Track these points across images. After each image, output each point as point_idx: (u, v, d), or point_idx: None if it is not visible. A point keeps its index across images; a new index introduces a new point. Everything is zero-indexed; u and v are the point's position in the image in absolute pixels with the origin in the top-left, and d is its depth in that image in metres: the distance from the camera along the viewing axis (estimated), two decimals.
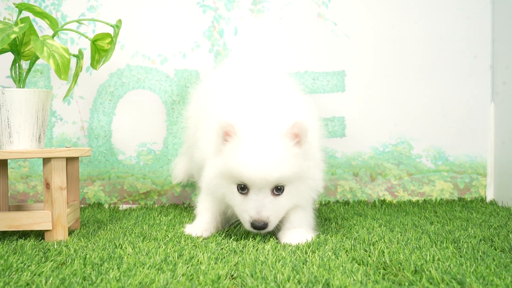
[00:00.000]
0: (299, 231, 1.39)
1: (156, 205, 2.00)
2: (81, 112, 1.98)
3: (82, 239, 1.40)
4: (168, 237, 1.43)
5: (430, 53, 2.03)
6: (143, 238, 1.40)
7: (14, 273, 1.07)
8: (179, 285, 0.99)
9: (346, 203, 2.02)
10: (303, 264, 1.13)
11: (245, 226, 1.35)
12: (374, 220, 1.67)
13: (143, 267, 1.11)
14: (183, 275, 1.06)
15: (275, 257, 1.18)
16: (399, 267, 1.10)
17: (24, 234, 1.48)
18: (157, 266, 1.12)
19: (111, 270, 1.08)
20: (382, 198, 2.03)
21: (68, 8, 1.96)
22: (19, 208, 1.63)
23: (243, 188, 1.34)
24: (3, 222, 1.40)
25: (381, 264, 1.13)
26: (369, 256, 1.19)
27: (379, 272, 1.07)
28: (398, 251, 1.22)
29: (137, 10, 1.98)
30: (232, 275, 1.07)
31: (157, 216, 1.78)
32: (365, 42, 2.02)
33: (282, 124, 1.33)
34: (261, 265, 1.11)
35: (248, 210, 1.33)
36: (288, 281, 1.00)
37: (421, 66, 2.03)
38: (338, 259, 1.17)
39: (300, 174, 1.34)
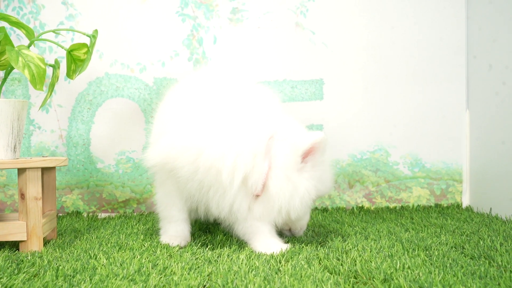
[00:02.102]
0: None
1: (135, 213, 2.00)
2: (59, 121, 1.97)
3: (57, 250, 1.40)
4: (144, 246, 1.43)
5: (407, 59, 2.06)
6: (119, 248, 1.41)
7: None
8: None
9: (325, 210, 2.03)
10: (276, 273, 1.14)
11: None
12: (351, 227, 1.69)
13: (116, 278, 1.11)
14: (155, 286, 1.06)
15: (249, 266, 1.19)
16: (369, 275, 1.11)
17: (0, 245, 1.47)
18: (129, 277, 1.12)
19: (82, 282, 1.08)
20: (360, 205, 2.06)
21: (46, 16, 1.96)
22: None
23: None
24: None
25: (352, 272, 1.14)
26: (341, 264, 1.20)
27: (350, 281, 1.09)
28: (370, 259, 1.24)
29: (116, 19, 1.98)
30: (204, 286, 1.07)
31: (135, 224, 1.78)
32: (343, 50, 2.04)
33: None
34: (234, 275, 1.12)
35: None
36: None
37: (399, 73, 2.06)
38: (310, 268, 1.18)
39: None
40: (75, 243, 1.49)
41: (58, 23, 1.96)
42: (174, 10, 2.00)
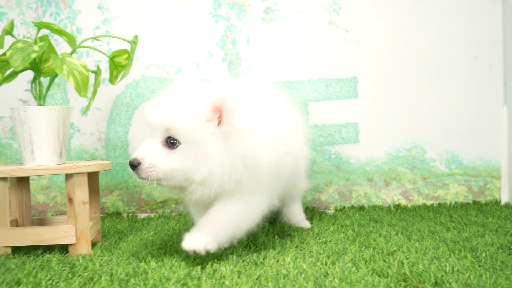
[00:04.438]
0: (201, 233, 1.27)
1: (173, 214, 2.03)
2: (98, 124, 2.01)
3: (106, 253, 1.43)
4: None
5: (442, 56, 2.04)
6: (165, 251, 1.43)
7: None
8: None
9: (361, 208, 2.03)
10: (324, 277, 1.15)
11: None
12: (391, 226, 1.69)
13: (168, 283, 1.13)
14: None
15: (296, 269, 1.21)
16: (419, 279, 1.12)
17: (48, 248, 1.51)
18: (181, 281, 1.14)
19: (138, 287, 1.11)
20: (397, 203, 2.05)
21: (82, 21, 1.99)
22: (41, 221, 1.66)
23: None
24: (29, 237, 1.43)
25: (401, 275, 1.15)
26: (389, 267, 1.21)
27: (400, 285, 1.09)
28: (417, 262, 1.24)
29: (151, 21, 2.00)
30: None
31: (175, 225, 1.81)
32: (376, 47, 2.03)
33: (208, 93, 1.25)
34: (284, 279, 1.14)
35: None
36: None
37: (434, 69, 2.04)
38: (358, 271, 1.19)
39: (197, 139, 1.22)
40: (120, 245, 1.52)
41: (94, 27, 1.99)
42: (207, 11, 2.01)
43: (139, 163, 1.24)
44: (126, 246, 1.50)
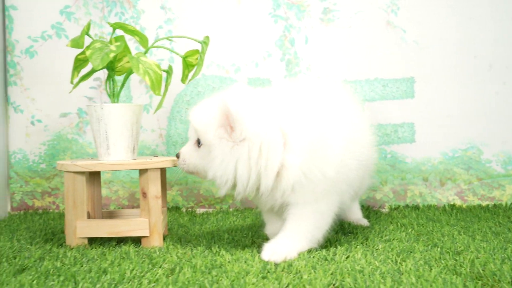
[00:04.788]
0: (281, 244, 1.36)
1: (231, 209, 2.08)
2: (159, 120, 2.07)
3: (178, 246, 1.49)
4: (256, 243, 1.50)
5: (502, 56, 2.03)
6: (234, 245, 1.48)
7: (132, 281, 1.16)
8: None
9: (416, 207, 2.05)
10: (399, 274, 1.18)
11: None
12: (450, 226, 1.70)
13: (248, 276, 1.18)
14: (288, 284, 1.12)
15: (370, 266, 1.24)
16: (495, 278, 1.14)
17: (121, 240, 1.58)
18: (261, 275, 1.19)
19: (221, 279, 1.16)
20: (452, 203, 2.06)
21: (146, 21, 2.05)
22: (111, 214, 1.73)
23: None
24: (105, 229, 1.50)
25: (475, 274, 1.17)
26: (461, 266, 1.23)
27: (477, 284, 1.11)
28: (488, 261, 1.25)
29: (212, 21, 2.05)
30: (334, 285, 1.13)
31: (235, 220, 1.86)
32: (434, 48, 2.04)
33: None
34: (359, 274, 1.17)
35: None
36: None
37: (492, 70, 2.04)
38: (431, 269, 1.21)
39: (207, 141, 1.35)
40: (188, 238, 1.58)
41: (157, 27, 2.05)
42: (266, 11, 2.05)
43: (178, 157, 1.47)
44: (195, 240, 1.56)
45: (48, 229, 1.76)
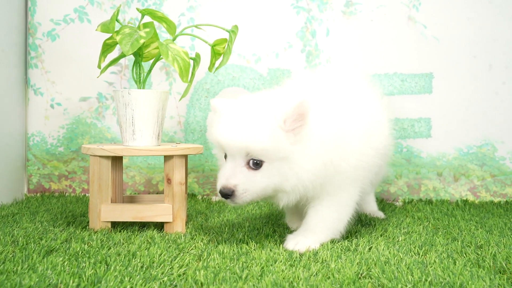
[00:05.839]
0: (304, 236, 1.38)
1: None
2: (178, 108, 2.08)
3: (200, 232, 1.51)
4: (277, 232, 1.52)
5: None
6: (257, 233, 1.50)
7: (163, 264, 1.18)
8: (322, 283, 1.07)
9: (429, 202, 2.07)
10: (423, 266, 1.20)
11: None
12: (466, 221, 1.73)
13: (276, 263, 1.20)
14: (317, 272, 1.14)
15: (395, 257, 1.26)
16: None
17: (143, 225, 1.60)
18: (288, 263, 1.21)
19: (251, 266, 1.18)
20: (465, 198, 2.08)
21: (168, 8, 2.06)
22: (132, 199, 1.75)
23: (226, 157, 1.31)
24: (130, 213, 1.52)
25: (498, 267, 1.19)
26: (483, 260, 1.25)
27: (501, 277, 1.14)
28: (509, 256, 1.28)
29: (234, 10, 2.06)
30: (362, 274, 1.15)
31: (251, 210, 1.88)
32: (453, 44, 2.05)
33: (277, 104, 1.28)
34: (386, 265, 1.19)
35: (220, 177, 1.30)
36: (420, 282, 1.08)
37: (509, 68, 2.05)
38: (455, 262, 1.24)
39: (280, 155, 1.25)
40: (209, 225, 1.60)
41: (180, 14, 2.06)
42: (289, 2, 2.06)
43: (232, 191, 1.27)
44: (216, 227, 1.58)
45: (68, 212, 1.77)
